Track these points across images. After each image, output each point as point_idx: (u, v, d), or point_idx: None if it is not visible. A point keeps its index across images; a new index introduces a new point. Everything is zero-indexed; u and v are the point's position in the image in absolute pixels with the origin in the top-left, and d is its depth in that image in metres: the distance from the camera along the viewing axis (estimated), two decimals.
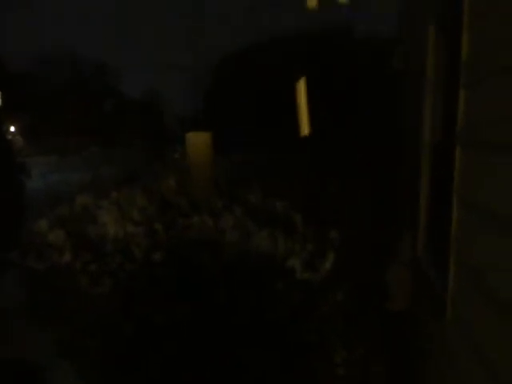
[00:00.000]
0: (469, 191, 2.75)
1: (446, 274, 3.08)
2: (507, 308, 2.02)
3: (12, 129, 39.35)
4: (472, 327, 2.57)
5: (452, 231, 2.99)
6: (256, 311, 4.21)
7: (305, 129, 1.82)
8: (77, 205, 5.45)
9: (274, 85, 11.23)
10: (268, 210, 4.84)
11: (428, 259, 4.05)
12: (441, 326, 3.26)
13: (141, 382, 3.81)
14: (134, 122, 41.56)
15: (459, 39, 2.95)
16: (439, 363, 3.36)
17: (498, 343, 2.10)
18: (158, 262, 4.25)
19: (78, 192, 7.19)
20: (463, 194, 2.84)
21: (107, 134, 40.26)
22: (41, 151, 32.77)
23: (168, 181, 5.96)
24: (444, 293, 3.13)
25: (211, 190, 3.93)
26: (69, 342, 4.34)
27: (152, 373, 3.86)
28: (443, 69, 4.01)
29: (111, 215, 4.77)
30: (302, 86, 1.78)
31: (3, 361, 3.96)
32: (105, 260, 4.36)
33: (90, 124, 40.14)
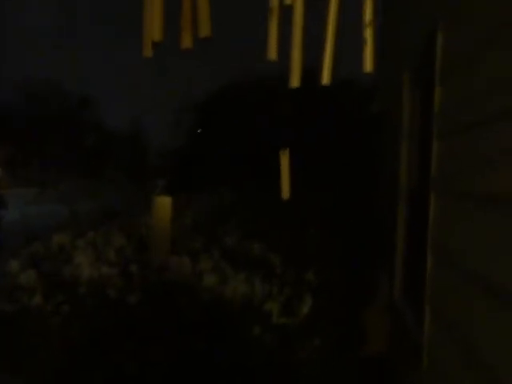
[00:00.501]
0: (441, 239, 2.79)
1: (422, 320, 3.08)
2: (481, 359, 2.02)
3: None
4: (448, 376, 2.56)
5: (427, 278, 3.01)
6: (233, 356, 4.13)
7: (286, 192, 1.78)
8: (53, 243, 5.37)
9: (257, 123, 11.38)
10: (246, 251, 4.84)
11: (405, 304, 4.05)
12: (418, 372, 3.24)
13: None
14: (117, 155, 41.51)
15: (432, 91, 3.05)
16: None
17: None
18: (134, 305, 4.17)
19: (54, 228, 7.06)
20: (436, 242, 2.88)
21: (89, 167, 40.07)
22: (21, 183, 32.35)
23: (146, 219, 5.94)
24: (420, 339, 3.12)
25: (168, 251, 3.97)
26: None
27: None
28: (418, 116, 4.13)
29: (86, 256, 4.70)
30: (285, 157, 1.76)
31: None
32: (78, 302, 4.26)
33: (72, 156, 39.97)
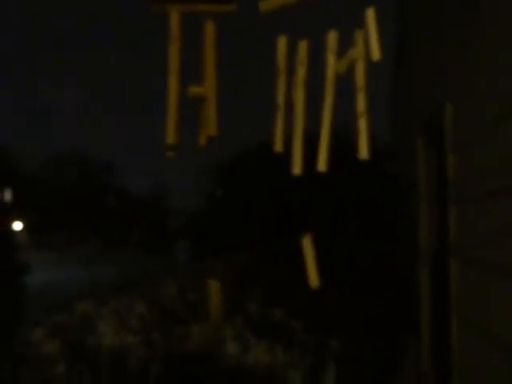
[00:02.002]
0: (465, 307, 2.76)
1: None
2: None
3: (18, 225, 39.76)
4: None
5: (453, 348, 2.94)
6: None
7: (314, 280, 1.70)
8: (76, 312, 5.41)
9: (277, 188, 11.47)
10: (267, 318, 4.79)
11: (434, 376, 3.91)
12: None
13: None
14: (140, 219, 42.12)
15: (446, 157, 3.12)
16: None
17: None
18: (155, 376, 4.13)
19: (76, 296, 7.14)
20: (460, 310, 2.84)
21: (111, 231, 40.68)
22: (43, 246, 32.92)
23: (169, 288, 5.97)
24: None
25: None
26: None
27: None
28: (434, 179, 4.17)
29: (110, 324, 4.72)
30: (308, 242, 1.73)
31: None
32: (99, 372, 4.24)
33: (94, 220, 40.74)
